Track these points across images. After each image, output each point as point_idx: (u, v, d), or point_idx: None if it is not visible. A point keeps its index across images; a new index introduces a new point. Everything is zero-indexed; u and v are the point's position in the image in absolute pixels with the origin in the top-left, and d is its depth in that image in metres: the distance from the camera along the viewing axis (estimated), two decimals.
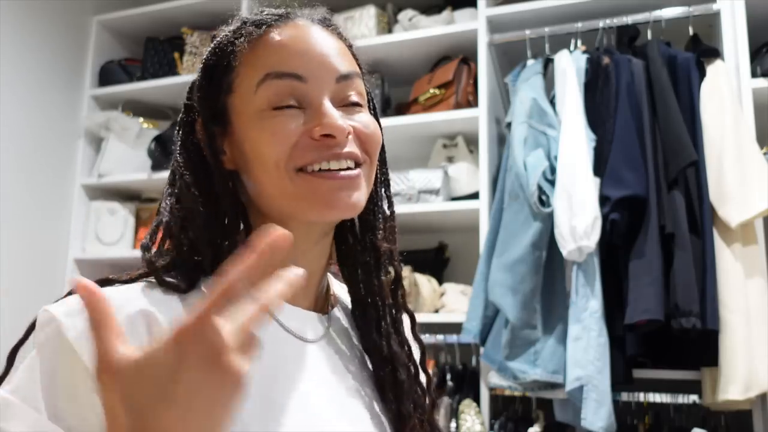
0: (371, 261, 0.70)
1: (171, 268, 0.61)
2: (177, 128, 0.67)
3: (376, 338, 0.69)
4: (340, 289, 0.77)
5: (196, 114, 0.66)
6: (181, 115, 0.67)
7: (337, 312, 0.74)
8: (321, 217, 0.63)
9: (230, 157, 0.64)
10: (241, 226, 0.65)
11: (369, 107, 0.70)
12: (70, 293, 0.56)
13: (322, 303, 0.72)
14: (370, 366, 0.70)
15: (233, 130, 0.63)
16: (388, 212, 0.73)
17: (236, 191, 0.65)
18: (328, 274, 0.76)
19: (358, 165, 0.64)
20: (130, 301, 0.56)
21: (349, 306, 0.74)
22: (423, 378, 0.73)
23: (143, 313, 0.55)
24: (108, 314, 0.41)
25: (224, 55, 0.64)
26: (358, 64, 0.69)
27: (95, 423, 0.49)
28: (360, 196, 0.63)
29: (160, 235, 0.64)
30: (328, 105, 0.62)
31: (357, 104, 0.65)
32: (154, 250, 0.63)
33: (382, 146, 0.71)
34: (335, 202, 0.61)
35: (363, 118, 0.65)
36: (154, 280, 0.60)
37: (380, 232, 0.71)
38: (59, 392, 0.51)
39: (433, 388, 0.74)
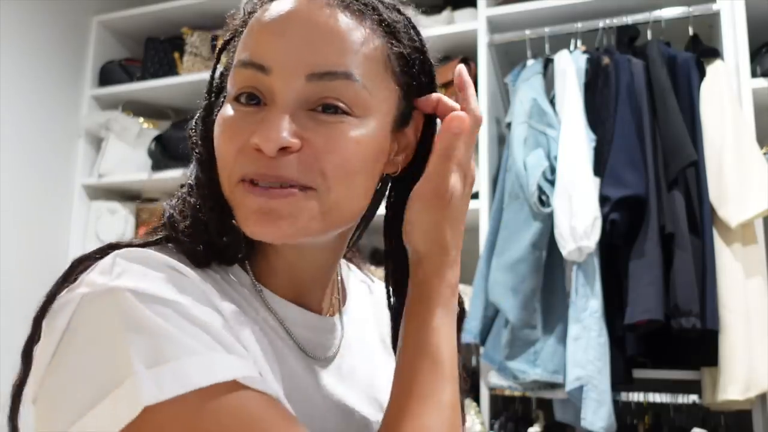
0: (400, 267, 0.63)
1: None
2: (199, 111, 0.61)
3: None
4: (355, 280, 0.74)
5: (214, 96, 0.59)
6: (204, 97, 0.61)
7: (353, 307, 0.69)
8: (253, 237, 0.54)
9: None
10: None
11: (402, 93, 0.58)
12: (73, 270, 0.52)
13: (332, 302, 0.67)
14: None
15: None
16: None
17: None
18: (346, 264, 0.73)
19: (306, 188, 0.52)
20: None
21: (372, 293, 0.73)
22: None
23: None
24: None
25: (232, 29, 0.59)
26: (395, 46, 0.57)
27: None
28: (289, 228, 0.51)
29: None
30: (280, 106, 0.51)
31: (336, 110, 0.52)
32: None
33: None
34: (258, 228, 0.52)
35: (330, 131, 0.52)
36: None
37: None
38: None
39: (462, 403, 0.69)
